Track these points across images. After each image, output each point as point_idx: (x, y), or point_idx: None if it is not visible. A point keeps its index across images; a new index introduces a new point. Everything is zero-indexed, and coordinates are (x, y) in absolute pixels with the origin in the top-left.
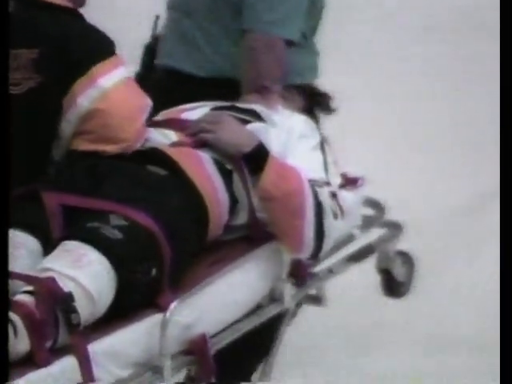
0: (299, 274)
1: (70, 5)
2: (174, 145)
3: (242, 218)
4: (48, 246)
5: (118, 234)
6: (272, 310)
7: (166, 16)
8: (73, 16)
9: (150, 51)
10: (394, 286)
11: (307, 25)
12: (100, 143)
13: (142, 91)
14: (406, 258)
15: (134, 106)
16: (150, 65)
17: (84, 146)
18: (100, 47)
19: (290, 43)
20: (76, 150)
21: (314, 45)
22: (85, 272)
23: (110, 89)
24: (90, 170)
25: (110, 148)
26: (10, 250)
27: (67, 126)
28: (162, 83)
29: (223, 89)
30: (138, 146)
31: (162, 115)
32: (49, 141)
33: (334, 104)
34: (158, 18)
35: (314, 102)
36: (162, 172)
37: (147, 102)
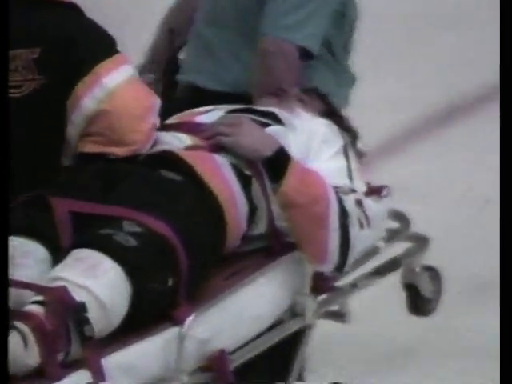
0: (322, 287)
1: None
2: (189, 148)
3: (261, 228)
4: (57, 255)
5: (132, 241)
6: (293, 326)
7: (192, 30)
8: (73, 11)
9: (171, 67)
10: (420, 303)
11: (336, 39)
12: (108, 145)
13: (149, 90)
14: (434, 274)
15: (141, 106)
16: (169, 80)
17: (91, 148)
18: (103, 45)
19: (308, 55)
20: (83, 153)
21: (345, 65)
22: (98, 281)
23: (116, 88)
24: (100, 174)
25: (119, 150)
26: (17, 259)
27: (73, 128)
28: (186, 100)
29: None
30: (148, 147)
31: (173, 119)
32: (55, 145)
33: (360, 143)
34: (172, 31)
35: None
36: (176, 177)
37: (156, 101)
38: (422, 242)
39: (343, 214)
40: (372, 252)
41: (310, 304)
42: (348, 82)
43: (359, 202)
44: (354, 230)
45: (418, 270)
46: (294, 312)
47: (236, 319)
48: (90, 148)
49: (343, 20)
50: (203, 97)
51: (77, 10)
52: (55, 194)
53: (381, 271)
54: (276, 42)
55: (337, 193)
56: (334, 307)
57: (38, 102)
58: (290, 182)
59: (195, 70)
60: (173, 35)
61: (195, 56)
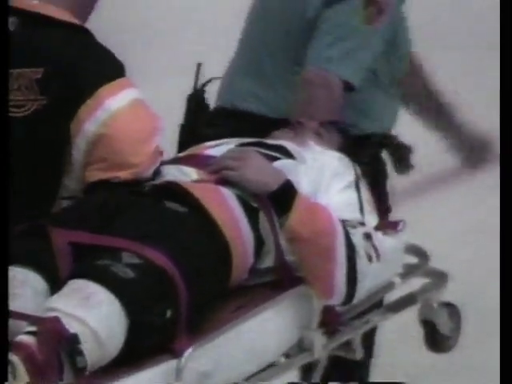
0: (331, 322)
1: (75, 20)
2: (196, 182)
3: (268, 261)
4: (55, 286)
5: (130, 273)
6: (300, 361)
7: (237, 55)
8: (79, 33)
9: (196, 101)
10: (438, 340)
11: (384, 68)
12: (111, 170)
13: (154, 113)
14: (453, 310)
15: (144, 129)
16: (196, 116)
17: (96, 175)
18: (108, 68)
19: (350, 87)
20: (90, 182)
21: (391, 93)
22: (93, 312)
23: (118, 111)
24: (102, 204)
25: (122, 174)
26: (14, 289)
27: (77, 152)
28: (230, 126)
29: None
30: (151, 171)
31: (184, 152)
32: (55, 166)
33: (413, 159)
34: (199, 66)
35: (391, 155)
36: (180, 208)
37: (159, 125)
38: (440, 277)
39: (350, 247)
40: (387, 287)
41: (318, 339)
42: (394, 109)
43: (368, 236)
44: (362, 263)
45: (435, 306)
46: (301, 347)
47: (240, 353)
48: (94, 176)
49: (393, 50)
50: (255, 123)
51: (85, 32)
52: (55, 223)
53: (395, 307)
54: (320, 72)
55: (344, 226)
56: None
57: (39, 122)
58: (295, 215)
59: (247, 96)
60: (200, 69)
61: (245, 81)
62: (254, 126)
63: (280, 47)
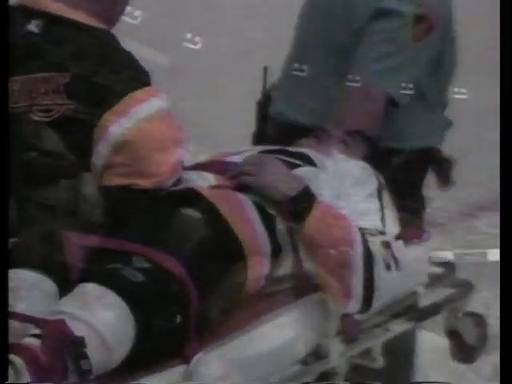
0: (349, 330)
1: (102, 26)
2: (213, 187)
3: (286, 268)
4: (65, 289)
5: (140, 277)
6: (316, 368)
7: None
8: (107, 38)
9: (264, 107)
10: (463, 351)
11: (430, 85)
12: (131, 177)
13: (180, 124)
14: (478, 320)
15: (168, 139)
16: (264, 122)
17: (115, 180)
18: (135, 75)
19: (393, 103)
20: (107, 187)
21: (439, 110)
22: (100, 316)
23: (143, 119)
24: (115, 209)
25: (143, 182)
26: (23, 291)
27: (98, 158)
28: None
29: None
30: (172, 181)
31: (206, 159)
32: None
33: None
34: (266, 69)
35: (433, 168)
36: (195, 214)
37: (183, 136)
38: (465, 287)
39: (368, 255)
40: (410, 297)
41: (335, 346)
42: (441, 125)
43: (387, 245)
44: (379, 272)
45: (460, 315)
46: (318, 354)
47: (253, 359)
48: (113, 180)
49: (440, 67)
50: (295, 131)
51: (112, 38)
52: (66, 227)
53: (418, 316)
54: (365, 86)
55: (363, 234)
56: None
57: (66, 127)
58: (313, 222)
59: (292, 104)
60: (267, 73)
61: (290, 93)
62: (293, 134)
63: (322, 56)
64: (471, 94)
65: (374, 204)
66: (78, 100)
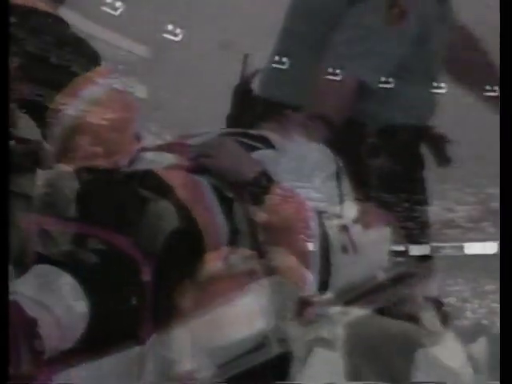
0: (307, 313)
1: (49, 9)
2: (170, 167)
3: (243, 251)
4: (20, 271)
5: (94, 258)
6: (272, 351)
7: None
8: (53, 21)
9: (243, 92)
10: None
11: (419, 61)
12: (89, 159)
13: (134, 104)
14: (438, 305)
15: (122, 119)
16: (242, 106)
17: (75, 163)
18: (85, 56)
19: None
20: (65, 170)
21: (430, 83)
22: (53, 297)
23: (94, 100)
24: (74, 191)
25: (101, 162)
26: None
27: (52, 143)
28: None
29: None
30: (127, 160)
31: (170, 140)
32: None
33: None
34: (246, 56)
35: (428, 146)
36: (152, 196)
37: (135, 115)
38: (425, 272)
39: (323, 237)
40: (369, 280)
41: (293, 330)
42: (430, 101)
43: (344, 228)
44: (335, 254)
45: (419, 300)
46: (274, 338)
47: (209, 340)
48: (72, 163)
49: (426, 45)
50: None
51: (59, 21)
52: (25, 209)
53: (377, 301)
54: (335, 69)
55: (320, 218)
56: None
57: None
58: (270, 205)
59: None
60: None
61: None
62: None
63: (305, 40)
64: None
65: (332, 187)
66: (34, 82)
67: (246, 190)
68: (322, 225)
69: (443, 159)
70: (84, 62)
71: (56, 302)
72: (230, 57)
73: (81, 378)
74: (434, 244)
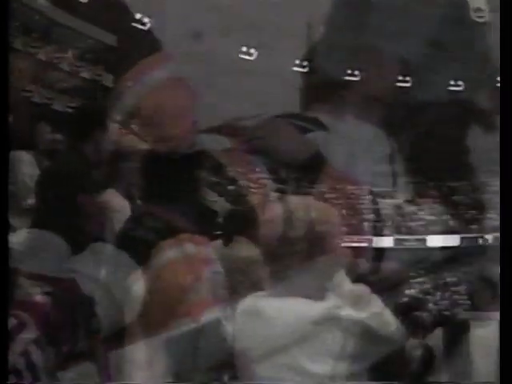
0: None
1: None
2: (226, 150)
3: (299, 230)
4: (78, 249)
5: (152, 236)
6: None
7: None
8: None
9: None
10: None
11: (452, 41)
12: (148, 141)
13: (192, 89)
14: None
15: (179, 105)
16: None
17: (130, 142)
18: (146, 43)
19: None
20: (124, 148)
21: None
22: (111, 275)
23: (156, 86)
24: (132, 171)
25: (160, 146)
26: (37, 250)
27: (113, 126)
28: None
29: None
30: (186, 144)
31: (221, 123)
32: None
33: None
34: (310, 25)
35: (475, 119)
36: (208, 177)
37: (195, 102)
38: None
39: (378, 217)
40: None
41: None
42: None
43: (399, 207)
44: (389, 231)
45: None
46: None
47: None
48: (128, 142)
49: (460, 23)
50: None
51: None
52: (82, 190)
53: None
54: (378, 50)
55: (374, 198)
56: None
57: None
58: (323, 185)
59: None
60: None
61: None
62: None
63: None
64: None
65: (386, 168)
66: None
67: (300, 171)
68: (376, 205)
69: (487, 126)
70: (146, 48)
71: (115, 279)
72: None
73: (136, 355)
74: (398, 237)
